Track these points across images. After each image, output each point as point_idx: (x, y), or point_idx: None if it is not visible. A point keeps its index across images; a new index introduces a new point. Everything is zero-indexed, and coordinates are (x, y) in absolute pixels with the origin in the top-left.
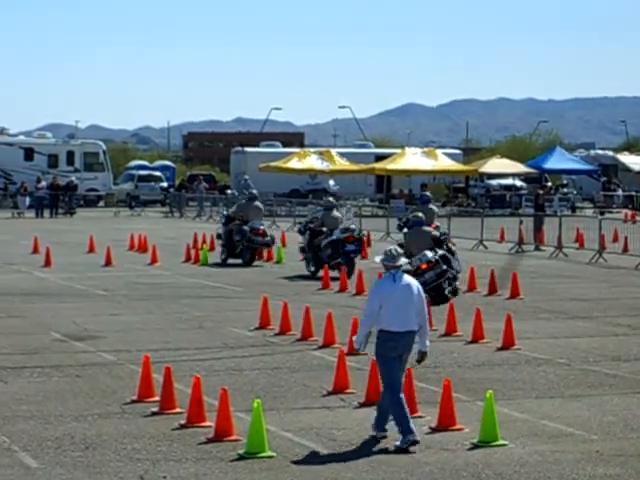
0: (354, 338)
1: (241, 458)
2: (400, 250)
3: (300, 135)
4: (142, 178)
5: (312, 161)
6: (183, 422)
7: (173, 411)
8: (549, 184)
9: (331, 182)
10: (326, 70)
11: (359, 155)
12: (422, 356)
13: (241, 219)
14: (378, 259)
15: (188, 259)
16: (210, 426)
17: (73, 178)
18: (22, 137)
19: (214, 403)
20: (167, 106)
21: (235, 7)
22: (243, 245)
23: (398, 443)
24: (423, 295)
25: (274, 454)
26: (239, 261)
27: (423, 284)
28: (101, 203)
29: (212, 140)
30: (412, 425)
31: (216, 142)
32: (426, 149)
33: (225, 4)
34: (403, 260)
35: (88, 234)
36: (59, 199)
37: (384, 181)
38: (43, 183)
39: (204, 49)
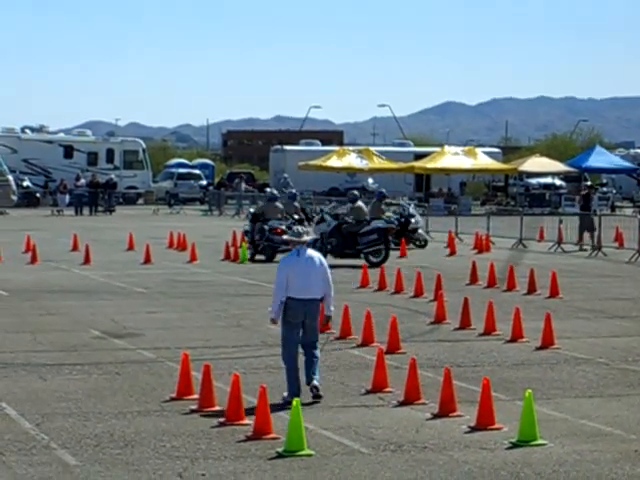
0: (269, 309)
1: (280, 456)
2: (305, 229)
3: (339, 133)
4: (181, 176)
5: (351, 159)
6: (222, 420)
7: (212, 409)
8: (588, 183)
9: (370, 180)
10: (365, 68)
11: (398, 154)
12: (327, 319)
13: (263, 217)
14: (286, 236)
15: (227, 257)
16: (249, 424)
17: (112, 176)
18: (62, 135)
19: (253, 401)
20: (206, 104)
21: (275, 6)
22: (263, 243)
23: (285, 394)
24: (326, 265)
25: (313, 452)
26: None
27: None
28: (140, 201)
29: (251, 138)
30: (295, 387)
31: (255, 140)
32: (465, 148)
33: (265, 4)
34: (307, 237)
35: (127, 232)
36: (98, 197)
37: (423, 180)
38: (82, 181)
39: (243, 47)
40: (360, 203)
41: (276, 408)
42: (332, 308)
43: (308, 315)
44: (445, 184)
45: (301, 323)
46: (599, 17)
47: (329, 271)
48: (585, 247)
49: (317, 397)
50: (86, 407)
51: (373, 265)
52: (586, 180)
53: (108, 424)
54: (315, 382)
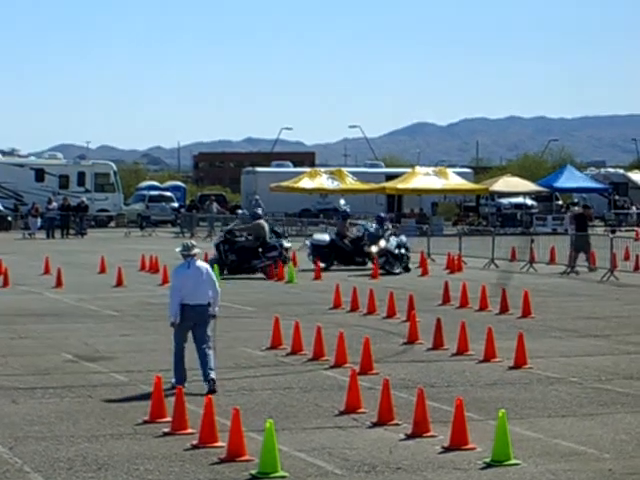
0: (168, 313)
1: (254, 478)
2: (194, 243)
3: (311, 155)
4: (153, 198)
5: (323, 180)
6: (195, 442)
7: (185, 431)
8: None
9: (342, 201)
10: (336, 90)
11: (370, 174)
12: (213, 318)
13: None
14: (178, 249)
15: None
16: (222, 446)
17: (84, 199)
18: (33, 158)
19: (226, 423)
20: (177, 127)
21: (244, 27)
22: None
23: (173, 380)
24: (212, 274)
25: (287, 474)
26: (250, 281)
27: None
28: (112, 224)
29: (223, 160)
30: (180, 376)
31: (227, 162)
32: (436, 168)
33: (234, 24)
34: (196, 250)
35: (99, 255)
36: (70, 220)
37: (395, 200)
38: (54, 204)
39: (213, 69)
40: (261, 221)
41: (249, 429)
42: (217, 309)
43: (199, 318)
44: (417, 204)
45: (193, 326)
46: (570, 36)
47: (215, 277)
48: (577, 269)
49: (212, 391)
50: (59, 430)
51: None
52: (557, 199)
53: (81, 447)
54: (212, 375)
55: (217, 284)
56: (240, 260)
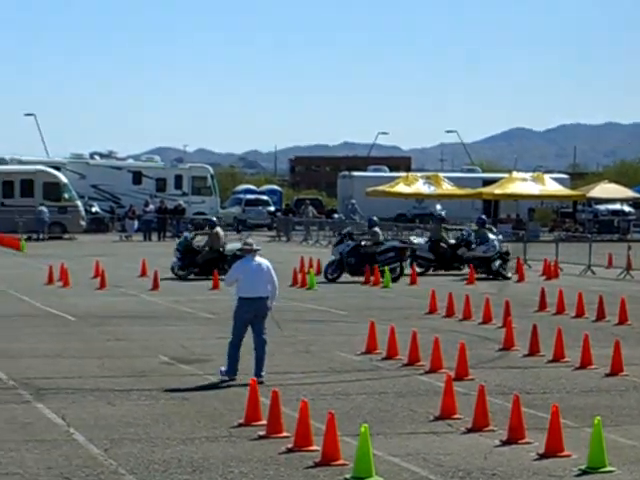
0: (224, 283)
1: None
2: (253, 240)
3: (407, 159)
4: (249, 202)
5: (419, 185)
6: (290, 446)
7: (280, 435)
8: None
9: (438, 206)
10: (434, 95)
11: (466, 179)
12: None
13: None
14: (239, 245)
15: (295, 283)
16: (317, 450)
17: (181, 202)
18: (130, 161)
19: (321, 427)
20: (275, 130)
21: (343, 35)
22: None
23: (224, 368)
24: (272, 270)
25: (381, 479)
26: (345, 285)
27: None
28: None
29: (319, 164)
30: (233, 367)
31: (323, 166)
32: (534, 174)
33: (333, 30)
34: (256, 246)
35: None
36: (167, 222)
37: (491, 206)
38: (151, 207)
39: (311, 73)
40: (376, 229)
41: (344, 434)
42: (274, 303)
43: (258, 312)
44: (513, 210)
45: (251, 319)
46: None
47: (274, 273)
48: None
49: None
50: (154, 433)
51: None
52: None
53: (176, 450)
54: (262, 378)
55: (276, 280)
56: (361, 263)
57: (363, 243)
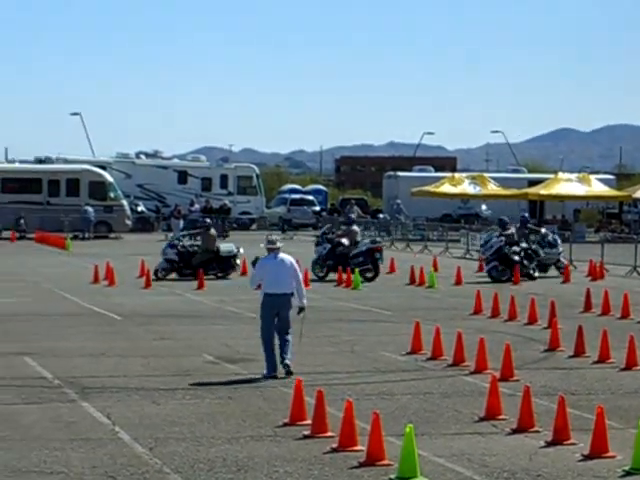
0: (249, 283)
1: None
2: (277, 237)
3: (452, 159)
4: (294, 202)
5: (464, 186)
6: (335, 446)
7: (325, 435)
8: None
9: (483, 207)
10: (479, 94)
11: (512, 180)
12: (300, 309)
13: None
14: (263, 245)
15: (340, 283)
16: (362, 450)
17: (226, 201)
18: (176, 160)
19: (366, 427)
20: (320, 130)
21: (391, 34)
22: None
23: (265, 371)
24: (296, 266)
25: (426, 479)
26: (391, 285)
27: None
28: (254, 226)
29: (364, 164)
30: (272, 365)
31: (368, 166)
32: (579, 174)
33: (383, 33)
34: (280, 244)
35: (241, 257)
36: (212, 222)
37: (537, 206)
38: (196, 206)
39: (360, 73)
40: (354, 227)
41: (387, 433)
42: (304, 301)
43: (283, 307)
44: (559, 211)
45: (277, 314)
46: None
47: (298, 269)
48: None
49: (289, 373)
50: (199, 432)
51: (367, 280)
52: None
53: (221, 449)
54: (287, 361)
55: (300, 276)
56: (337, 265)
57: (344, 241)
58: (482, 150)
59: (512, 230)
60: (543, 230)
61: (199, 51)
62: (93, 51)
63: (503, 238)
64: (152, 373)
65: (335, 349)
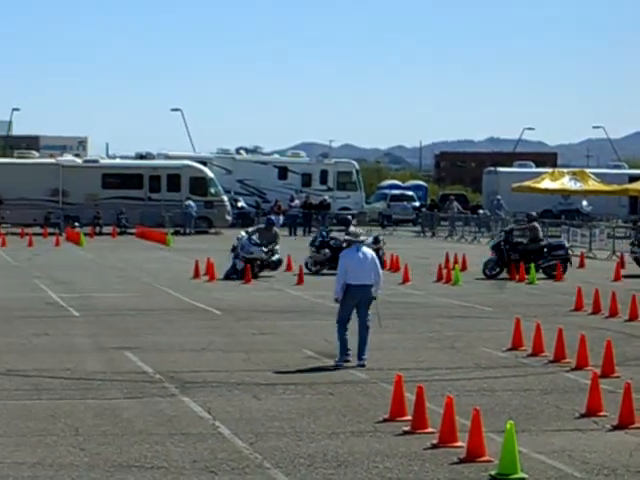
0: (334, 290)
1: (493, 479)
2: (361, 231)
3: (553, 155)
4: (394, 197)
5: (565, 181)
6: (435, 442)
7: (425, 430)
8: None
9: (584, 202)
10: (580, 90)
11: (612, 175)
12: (374, 299)
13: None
14: (346, 237)
15: (440, 279)
16: (462, 446)
17: (326, 197)
18: (276, 156)
19: (466, 423)
20: (419, 126)
21: (490, 27)
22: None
23: (337, 359)
24: (377, 260)
25: (526, 476)
26: (493, 281)
27: None
28: (354, 222)
29: (464, 160)
30: (347, 351)
31: (468, 162)
32: None
33: (478, 22)
34: (363, 237)
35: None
36: (312, 218)
37: (638, 202)
38: (296, 202)
39: (458, 68)
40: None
41: (489, 430)
42: (379, 291)
43: (363, 298)
44: None
45: (357, 304)
46: None
47: (378, 263)
48: None
49: (362, 366)
50: (299, 427)
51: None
52: None
53: (321, 444)
54: (363, 361)
55: (380, 269)
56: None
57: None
58: (583, 146)
59: None
60: None
61: (298, 48)
62: (194, 48)
63: None
64: (252, 368)
65: (436, 345)
